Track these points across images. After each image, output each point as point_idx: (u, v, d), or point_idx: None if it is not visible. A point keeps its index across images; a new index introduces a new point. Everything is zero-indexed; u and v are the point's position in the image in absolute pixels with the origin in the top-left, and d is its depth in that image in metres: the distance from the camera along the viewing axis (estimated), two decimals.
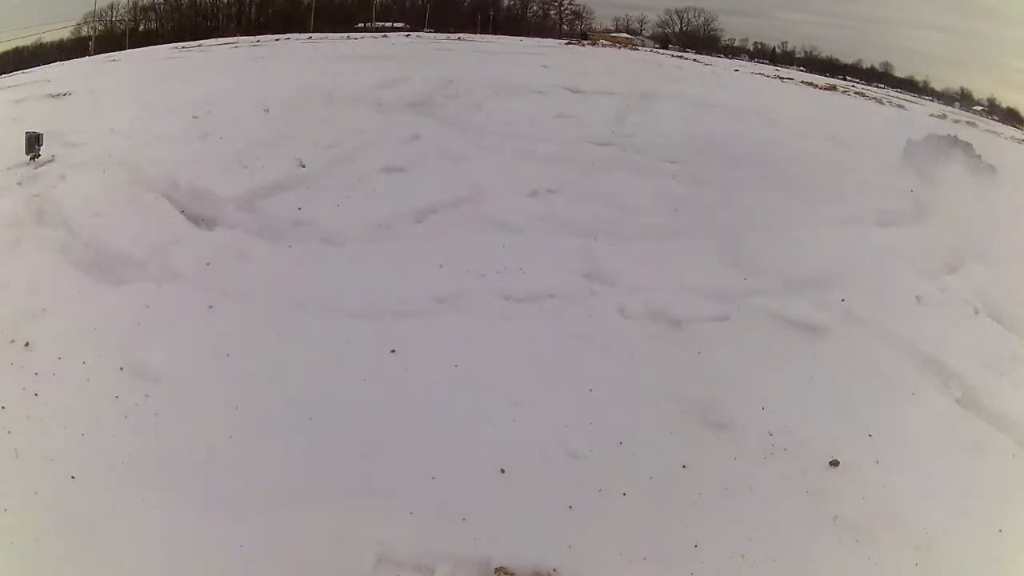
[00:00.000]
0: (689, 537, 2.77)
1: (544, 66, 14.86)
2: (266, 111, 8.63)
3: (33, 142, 6.31)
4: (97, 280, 4.36)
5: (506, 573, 2.58)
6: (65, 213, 5.22)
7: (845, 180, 7.42)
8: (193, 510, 2.69)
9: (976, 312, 4.91)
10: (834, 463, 3.21)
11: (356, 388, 3.45)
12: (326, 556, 2.58)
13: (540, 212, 5.80)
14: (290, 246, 5.01)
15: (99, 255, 4.71)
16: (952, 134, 7.99)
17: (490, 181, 6.37)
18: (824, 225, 6.02)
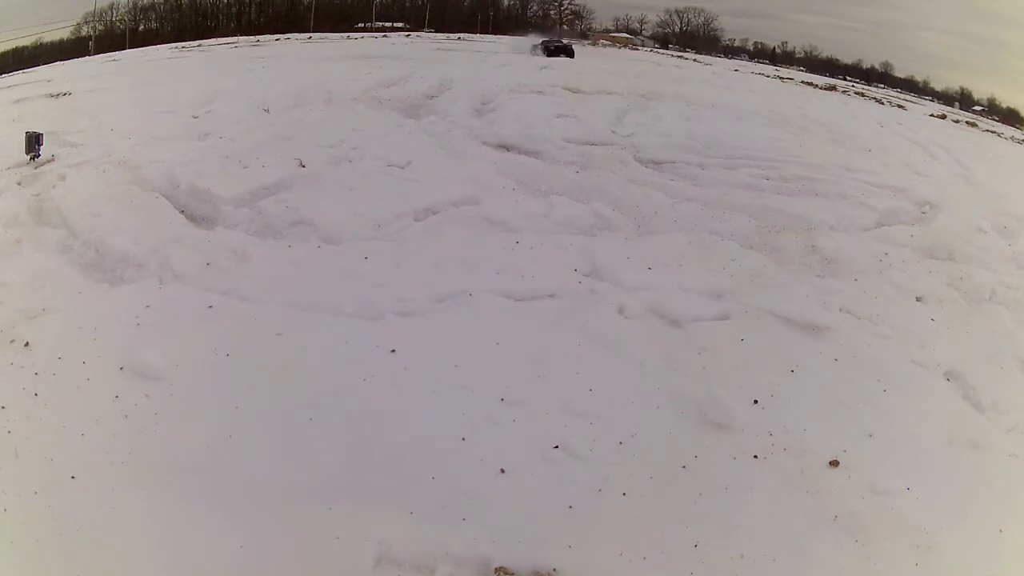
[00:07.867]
0: (689, 537, 2.77)
1: (544, 66, 14.89)
2: (266, 111, 8.65)
3: (33, 142, 6.32)
4: (97, 280, 4.36)
5: (506, 573, 2.58)
6: (65, 213, 5.22)
7: (845, 180, 7.44)
8: (193, 510, 2.69)
9: (976, 312, 4.91)
10: (834, 463, 3.20)
11: (356, 388, 3.44)
12: (326, 556, 2.58)
13: (540, 212, 5.79)
14: (290, 246, 5.01)
15: (99, 255, 4.71)
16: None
17: (490, 181, 6.37)
18: (824, 225, 6.03)
